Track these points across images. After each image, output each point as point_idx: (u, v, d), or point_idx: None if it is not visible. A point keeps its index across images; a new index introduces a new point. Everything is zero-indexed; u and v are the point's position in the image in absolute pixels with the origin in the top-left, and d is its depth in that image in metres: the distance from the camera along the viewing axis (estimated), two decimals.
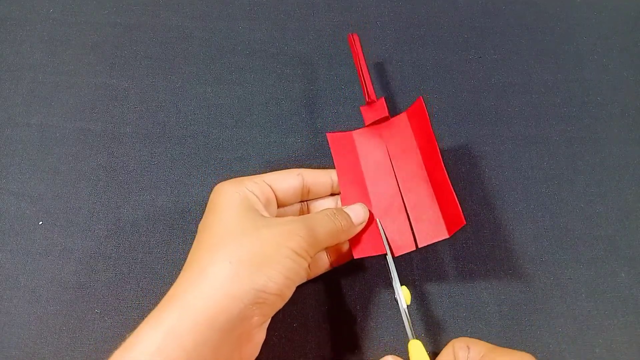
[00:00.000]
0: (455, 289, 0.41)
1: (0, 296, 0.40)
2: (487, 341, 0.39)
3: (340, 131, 0.41)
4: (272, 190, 0.35)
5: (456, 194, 0.35)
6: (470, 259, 0.42)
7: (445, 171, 0.36)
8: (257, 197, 0.33)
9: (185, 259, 0.41)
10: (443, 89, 0.49)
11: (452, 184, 0.35)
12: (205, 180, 0.44)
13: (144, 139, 0.46)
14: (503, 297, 0.41)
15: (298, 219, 0.32)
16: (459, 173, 0.45)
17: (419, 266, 0.42)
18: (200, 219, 0.43)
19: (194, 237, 0.42)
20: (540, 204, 0.44)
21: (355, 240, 0.36)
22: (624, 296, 0.41)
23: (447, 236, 0.35)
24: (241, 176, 0.44)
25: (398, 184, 0.39)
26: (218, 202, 0.33)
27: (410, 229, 0.37)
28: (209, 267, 0.29)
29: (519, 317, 0.40)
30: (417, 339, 0.33)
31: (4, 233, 0.42)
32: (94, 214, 0.43)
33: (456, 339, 0.33)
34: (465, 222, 0.34)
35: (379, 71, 0.50)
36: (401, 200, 0.38)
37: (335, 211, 0.34)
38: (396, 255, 0.36)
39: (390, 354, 0.32)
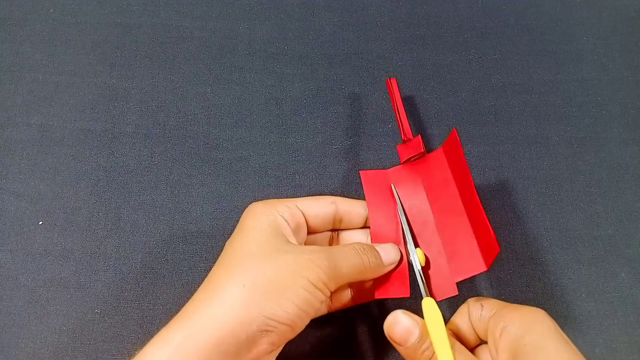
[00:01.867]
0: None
1: (0, 296, 0.40)
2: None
3: (373, 169, 0.41)
4: (304, 215, 0.35)
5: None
6: None
7: (479, 200, 0.34)
8: (286, 221, 0.33)
9: (185, 258, 0.41)
10: (443, 89, 0.49)
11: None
12: (205, 180, 0.44)
13: (144, 139, 0.46)
14: (503, 297, 0.41)
15: (322, 249, 0.31)
16: None
17: None
18: (201, 218, 0.43)
19: (194, 237, 0.42)
20: (540, 204, 0.44)
21: (379, 279, 0.35)
22: (624, 296, 0.41)
23: (485, 269, 0.34)
24: (240, 177, 0.45)
25: (435, 222, 0.37)
26: (246, 222, 0.32)
27: (449, 270, 0.36)
28: (223, 288, 0.29)
29: None
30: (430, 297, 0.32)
31: (4, 233, 0.42)
32: (94, 214, 0.43)
33: (471, 298, 0.33)
34: (499, 249, 0.32)
35: (379, 71, 0.50)
36: (439, 239, 0.37)
37: (365, 247, 0.33)
38: (437, 299, 0.34)
39: (400, 309, 0.32)
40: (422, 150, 0.40)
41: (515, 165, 0.46)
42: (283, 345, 0.31)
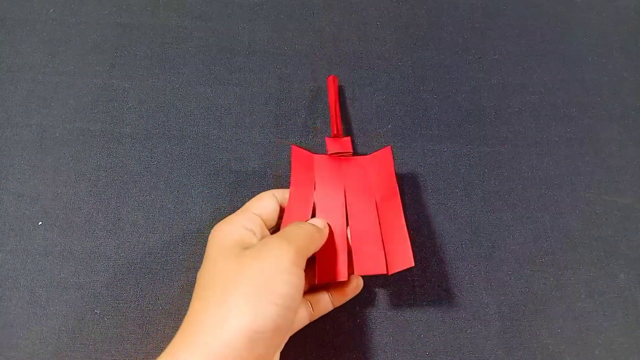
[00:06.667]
0: (455, 289, 0.41)
1: (0, 296, 0.40)
2: (487, 342, 0.39)
3: (304, 149, 0.42)
4: (260, 217, 0.36)
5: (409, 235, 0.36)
6: (470, 260, 0.42)
7: (404, 217, 0.37)
8: (251, 230, 0.34)
9: (185, 259, 0.41)
10: (443, 89, 0.49)
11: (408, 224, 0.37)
12: (205, 180, 0.44)
13: (143, 139, 0.46)
14: (503, 297, 0.41)
15: (274, 238, 0.32)
16: (458, 174, 0.45)
17: (418, 266, 0.42)
18: (200, 218, 0.43)
19: (194, 237, 0.42)
20: (539, 205, 0.44)
21: (320, 265, 0.36)
22: (624, 297, 0.41)
23: (385, 272, 0.36)
24: (240, 177, 0.45)
25: (347, 216, 0.38)
26: (211, 248, 0.33)
27: (348, 260, 0.37)
28: (203, 324, 0.29)
29: (518, 318, 0.40)
30: None
31: (4, 233, 0.42)
32: (94, 214, 0.43)
33: None
34: (413, 264, 0.35)
35: (379, 71, 0.50)
36: (345, 231, 0.38)
37: (298, 224, 0.35)
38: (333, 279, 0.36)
39: None
40: (350, 151, 0.42)
41: (515, 165, 0.46)
42: (276, 349, 0.31)
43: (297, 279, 0.31)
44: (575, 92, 0.50)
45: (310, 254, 0.34)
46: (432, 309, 0.40)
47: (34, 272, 0.41)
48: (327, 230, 0.37)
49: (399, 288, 0.41)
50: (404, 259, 0.36)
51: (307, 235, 0.34)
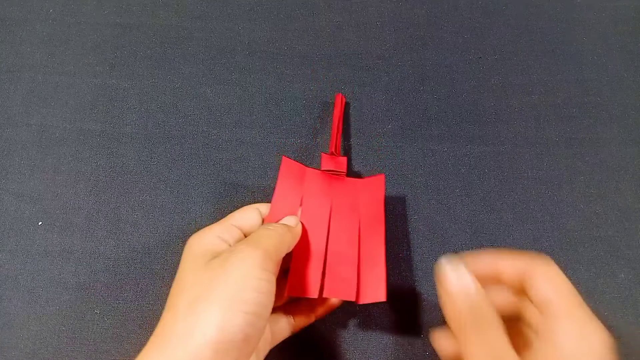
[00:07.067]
0: None
1: (0, 296, 0.40)
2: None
3: (296, 161, 0.41)
4: (240, 230, 0.35)
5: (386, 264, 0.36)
6: None
7: (384, 249, 0.37)
8: (226, 241, 0.33)
9: None
10: (443, 89, 0.49)
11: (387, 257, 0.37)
12: (205, 180, 0.44)
13: (144, 139, 0.46)
14: None
15: (242, 245, 0.32)
16: (458, 174, 0.45)
17: (418, 266, 0.42)
18: (200, 219, 0.43)
19: None
20: (539, 205, 0.44)
21: (294, 277, 0.36)
22: (624, 297, 0.41)
23: (354, 299, 0.35)
24: (240, 177, 0.45)
25: (328, 235, 0.38)
26: (183, 259, 0.33)
27: (320, 280, 0.36)
28: (171, 334, 0.28)
29: None
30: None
31: (4, 233, 0.42)
32: (94, 214, 0.43)
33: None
34: (385, 299, 0.35)
35: (379, 72, 0.50)
36: (324, 251, 0.37)
37: (267, 225, 0.35)
38: (300, 295, 0.35)
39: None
40: (344, 171, 0.41)
41: (515, 166, 0.46)
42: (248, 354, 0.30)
43: (266, 285, 0.30)
44: (575, 92, 0.50)
45: (281, 255, 0.33)
46: (432, 309, 0.40)
47: (34, 272, 0.41)
48: (299, 228, 0.36)
49: (400, 288, 0.41)
50: (376, 292, 0.35)
51: (275, 237, 0.33)
